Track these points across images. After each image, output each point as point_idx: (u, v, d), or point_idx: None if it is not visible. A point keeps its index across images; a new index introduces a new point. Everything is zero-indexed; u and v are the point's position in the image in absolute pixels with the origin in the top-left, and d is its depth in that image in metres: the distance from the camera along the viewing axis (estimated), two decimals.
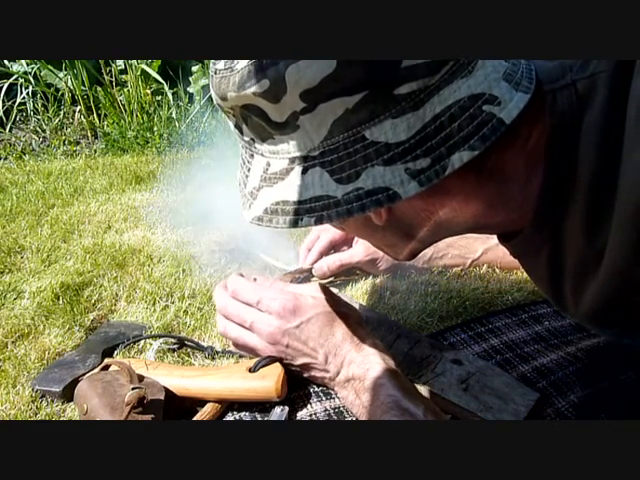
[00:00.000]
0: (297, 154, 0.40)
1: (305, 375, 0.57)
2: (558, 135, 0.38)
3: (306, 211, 0.41)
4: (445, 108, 0.36)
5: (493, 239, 0.81)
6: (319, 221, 0.40)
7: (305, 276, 0.78)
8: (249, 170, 0.45)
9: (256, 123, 0.41)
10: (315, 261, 0.79)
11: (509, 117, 0.36)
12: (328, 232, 0.79)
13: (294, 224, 0.41)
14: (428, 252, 0.81)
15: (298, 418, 0.54)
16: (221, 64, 0.40)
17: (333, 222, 0.40)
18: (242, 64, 0.38)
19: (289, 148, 0.40)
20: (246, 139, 0.44)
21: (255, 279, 0.61)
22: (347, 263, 0.78)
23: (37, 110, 1.95)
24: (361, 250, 0.78)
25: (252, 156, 0.45)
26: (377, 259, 0.78)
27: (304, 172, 0.40)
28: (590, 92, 0.37)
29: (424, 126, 0.36)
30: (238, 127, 0.44)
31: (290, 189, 0.41)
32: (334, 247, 0.80)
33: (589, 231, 0.38)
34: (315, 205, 0.40)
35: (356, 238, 0.80)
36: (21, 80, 1.97)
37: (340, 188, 0.39)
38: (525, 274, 0.80)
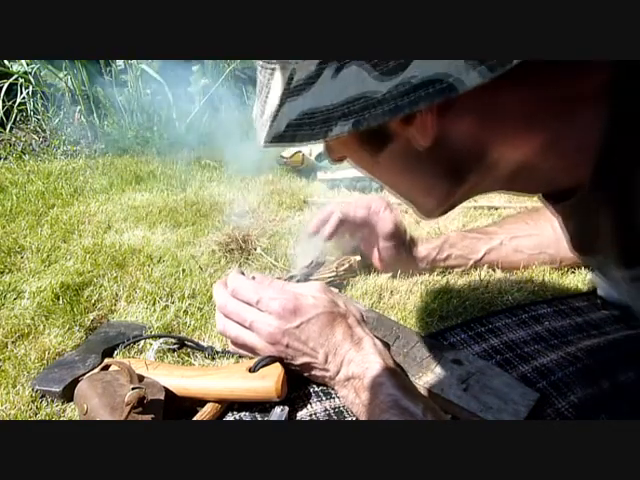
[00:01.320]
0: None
1: (305, 374, 0.57)
2: (625, 72, 0.34)
3: (340, 116, 0.34)
4: None
5: (496, 239, 0.82)
6: (357, 125, 0.34)
7: (301, 277, 0.78)
8: (268, 92, 0.39)
9: None
10: (329, 236, 0.77)
11: None
12: (342, 211, 0.77)
13: (324, 134, 0.35)
14: (432, 253, 0.80)
15: (298, 418, 0.54)
16: None
17: (374, 124, 0.33)
18: None
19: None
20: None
21: (254, 277, 0.61)
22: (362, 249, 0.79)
23: (37, 110, 1.95)
24: (381, 241, 0.77)
25: (272, 73, 0.38)
26: (394, 253, 0.77)
27: (336, 72, 0.34)
28: None
29: None
30: None
31: (320, 95, 0.35)
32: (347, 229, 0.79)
33: None
34: (352, 108, 0.34)
35: (379, 223, 0.77)
36: (21, 80, 1.97)
37: (383, 83, 0.33)
38: (525, 274, 0.80)
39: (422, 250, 0.81)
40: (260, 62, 0.40)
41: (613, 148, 0.36)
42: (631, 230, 0.38)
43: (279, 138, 0.37)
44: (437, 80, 0.32)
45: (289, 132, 0.37)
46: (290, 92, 0.36)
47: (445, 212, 0.46)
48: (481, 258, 0.80)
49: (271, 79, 0.38)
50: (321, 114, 0.35)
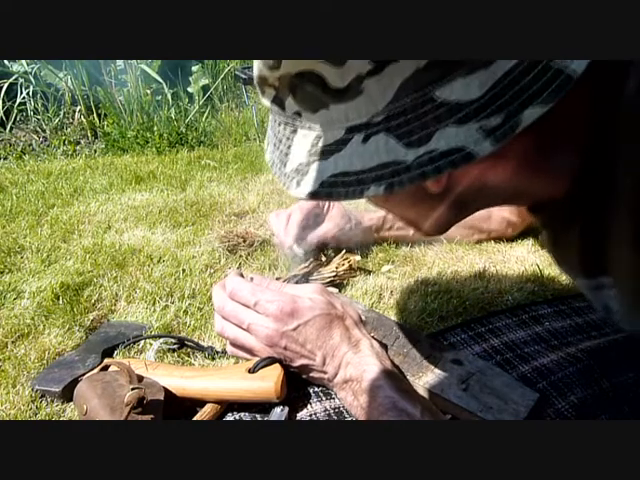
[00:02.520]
0: (356, 122, 0.38)
1: (304, 376, 0.57)
2: (601, 103, 0.38)
3: (372, 180, 0.38)
4: (515, 64, 0.35)
5: None
6: (389, 188, 0.38)
7: (300, 277, 0.78)
8: (289, 147, 0.43)
9: (308, 93, 0.39)
10: (296, 234, 0.83)
11: (579, 70, 0.35)
12: (300, 210, 0.85)
13: (360, 194, 0.39)
14: (378, 223, 0.91)
15: (298, 418, 0.54)
16: None
17: (404, 188, 0.37)
18: None
19: (347, 116, 0.38)
20: (289, 113, 0.42)
21: (252, 278, 0.61)
22: (323, 238, 0.86)
23: (37, 110, 1.95)
24: (332, 225, 0.86)
25: (294, 131, 0.42)
26: (347, 231, 0.86)
27: (365, 140, 0.38)
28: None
29: (496, 83, 0.35)
30: (279, 101, 0.42)
31: (350, 159, 0.39)
32: (307, 226, 0.86)
33: (633, 207, 0.37)
34: (383, 172, 0.38)
35: (328, 214, 0.88)
36: (21, 80, 1.97)
37: (411, 152, 0.37)
38: (525, 274, 0.81)
39: (367, 221, 0.91)
40: (280, 118, 0.43)
41: (590, 167, 0.40)
42: (591, 242, 0.42)
43: (314, 195, 0.41)
44: (457, 149, 0.36)
45: (324, 191, 0.40)
46: (317, 154, 0.40)
47: (444, 230, 0.50)
48: None
49: (293, 136, 0.42)
50: (355, 175, 0.39)
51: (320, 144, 0.40)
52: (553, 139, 0.41)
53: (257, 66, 0.41)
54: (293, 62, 0.37)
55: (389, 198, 0.47)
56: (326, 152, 0.40)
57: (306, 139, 0.41)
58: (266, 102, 0.43)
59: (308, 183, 0.41)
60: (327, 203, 0.87)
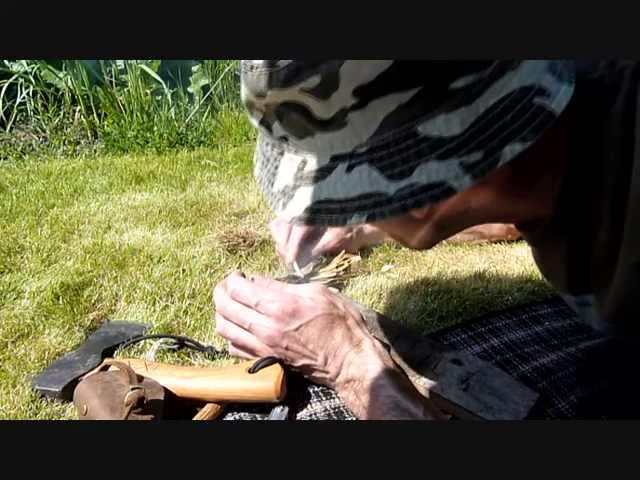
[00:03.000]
0: (341, 151, 0.39)
1: (306, 376, 0.57)
2: (584, 127, 0.39)
3: (355, 209, 0.39)
4: (498, 101, 0.36)
5: None
6: (371, 219, 0.39)
7: (299, 280, 0.78)
8: (276, 168, 0.44)
9: (294, 120, 0.40)
10: (297, 252, 0.82)
11: (559, 108, 0.36)
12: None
13: (343, 222, 0.40)
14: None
15: (298, 418, 0.54)
16: (259, 60, 0.38)
17: (385, 218, 0.39)
18: (287, 61, 0.36)
19: (332, 145, 0.39)
20: (276, 136, 0.43)
21: (253, 279, 0.61)
22: (323, 250, 0.85)
23: (37, 110, 1.95)
24: (332, 236, 0.85)
25: (282, 154, 0.43)
26: (348, 240, 0.86)
27: (349, 169, 0.39)
28: (616, 87, 0.37)
29: (477, 119, 0.36)
30: (266, 124, 0.43)
31: (334, 187, 0.40)
32: (308, 237, 0.85)
33: (612, 226, 0.38)
34: (365, 203, 0.39)
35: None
36: (21, 80, 1.97)
37: (392, 185, 0.38)
38: (525, 274, 0.81)
39: (369, 226, 0.88)
40: (266, 139, 0.44)
41: (572, 188, 0.41)
42: (576, 260, 0.44)
43: (299, 220, 0.42)
44: (438, 183, 0.37)
45: (308, 216, 0.42)
46: (302, 178, 0.42)
47: (432, 245, 0.52)
48: None
49: (280, 157, 0.43)
50: (338, 204, 0.40)
51: (306, 169, 0.41)
52: (535, 167, 0.42)
53: (244, 91, 0.41)
54: (281, 93, 0.38)
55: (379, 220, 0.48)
56: (311, 178, 0.41)
57: (292, 162, 0.42)
58: (255, 123, 0.44)
59: (293, 207, 0.43)
60: None
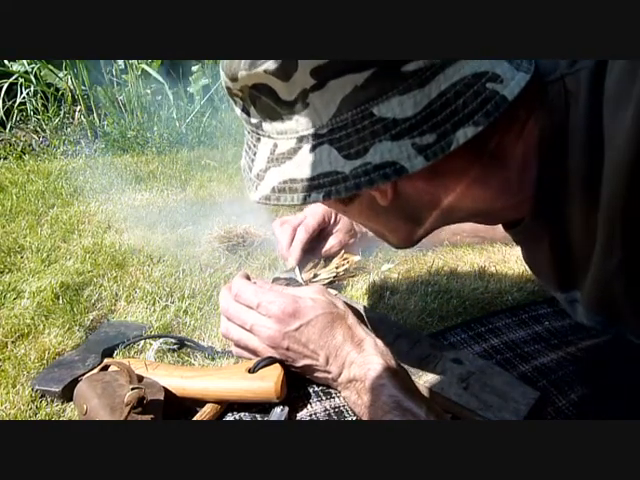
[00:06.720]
0: (305, 132, 0.41)
1: (308, 376, 0.57)
2: (549, 127, 0.40)
3: (314, 187, 0.41)
4: (450, 85, 0.37)
5: None
6: (327, 196, 0.41)
7: (299, 284, 0.78)
8: (255, 154, 0.46)
9: (265, 104, 0.41)
10: (299, 257, 0.80)
11: (511, 94, 0.37)
12: (305, 229, 0.82)
13: (303, 200, 0.42)
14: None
15: (298, 418, 0.54)
16: None
17: (341, 196, 0.41)
18: None
19: (297, 127, 0.41)
20: (253, 122, 0.45)
21: (255, 282, 0.61)
22: (324, 256, 0.84)
23: (37, 110, 1.95)
24: (335, 242, 0.84)
25: (259, 139, 0.45)
26: (350, 245, 0.85)
27: (312, 150, 0.41)
28: (576, 87, 0.38)
29: (430, 103, 0.37)
30: (246, 110, 0.45)
31: (298, 167, 0.42)
32: (312, 241, 0.83)
33: (586, 221, 0.39)
34: (324, 181, 0.41)
35: (335, 227, 0.86)
36: (21, 80, 1.97)
37: (348, 164, 0.40)
38: (525, 274, 0.80)
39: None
40: (248, 127, 0.46)
41: (545, 186, 0.42)
42: (559, 257, 0.45)
43: (265, 199, 0.45)
44: (390, 163, 0.39)
45: (273, 196, 0.44)
46: (273, 161, 0.44)
47: (415, 242, 0.52)
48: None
49: (257, 144, 0.46)
50: (301, 183, 0.42)
51: (277, 152, 0.43)
52: (502, 163, 0.42)
53: (222, 77, 0.43)
54: (249, 74, 0.40)
55: (346, 209, 0.49)
56: (280, 159, 0.43)
57: (266, 147, 0.44)
58: (238, 112, 0.46)
59: (262, 188, 0.45)
60: (334, 216, 0.85)
